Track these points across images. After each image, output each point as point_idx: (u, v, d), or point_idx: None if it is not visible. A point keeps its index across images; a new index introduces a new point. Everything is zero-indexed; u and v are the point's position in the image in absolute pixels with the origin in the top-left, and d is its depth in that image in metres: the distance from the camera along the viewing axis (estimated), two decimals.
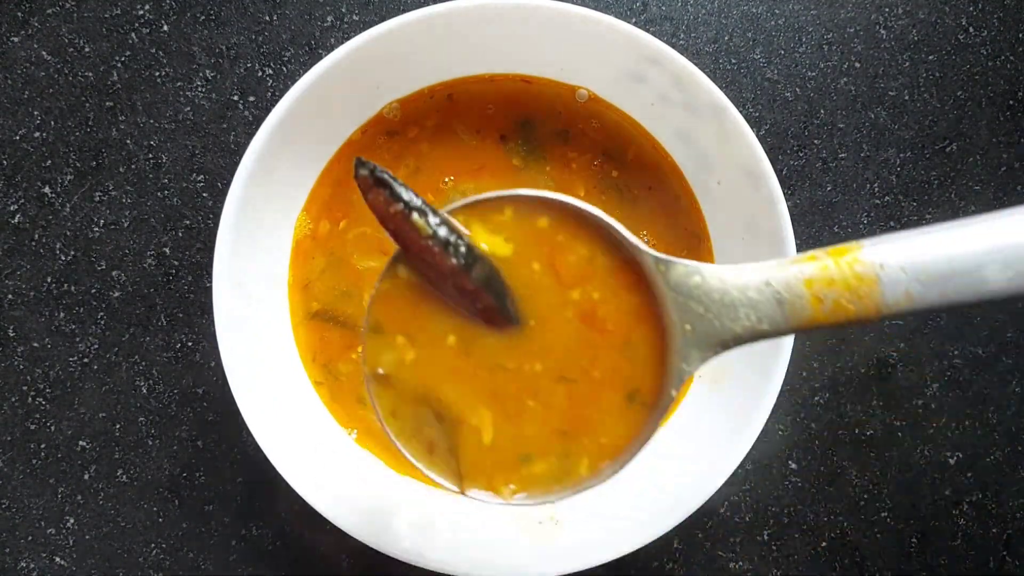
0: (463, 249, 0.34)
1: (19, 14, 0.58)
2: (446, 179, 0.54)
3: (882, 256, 0.32)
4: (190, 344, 0.58)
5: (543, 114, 0.54)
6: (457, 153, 0.54)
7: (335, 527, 0.49)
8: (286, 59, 0.59)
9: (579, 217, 0.36)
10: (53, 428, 0.58)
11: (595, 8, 0.50)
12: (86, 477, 0.58)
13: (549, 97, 0.54)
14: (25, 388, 0.57)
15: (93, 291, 0.58)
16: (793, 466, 0.60)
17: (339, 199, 0.54)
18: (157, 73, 0.58)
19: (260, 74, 0.59)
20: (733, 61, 0.60)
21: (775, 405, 0.49)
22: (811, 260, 0.33)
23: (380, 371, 0.37)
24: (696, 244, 0.54)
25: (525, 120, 0.54)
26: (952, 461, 0.60)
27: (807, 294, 0.33)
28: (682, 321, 0.34)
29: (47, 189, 0.58)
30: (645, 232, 0.54)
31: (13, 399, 0.57)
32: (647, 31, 0.51)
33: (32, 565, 0.57)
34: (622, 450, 0.37)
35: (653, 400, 0.36)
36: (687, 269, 0.34)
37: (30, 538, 0.57)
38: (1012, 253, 0.31)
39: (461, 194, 0.54)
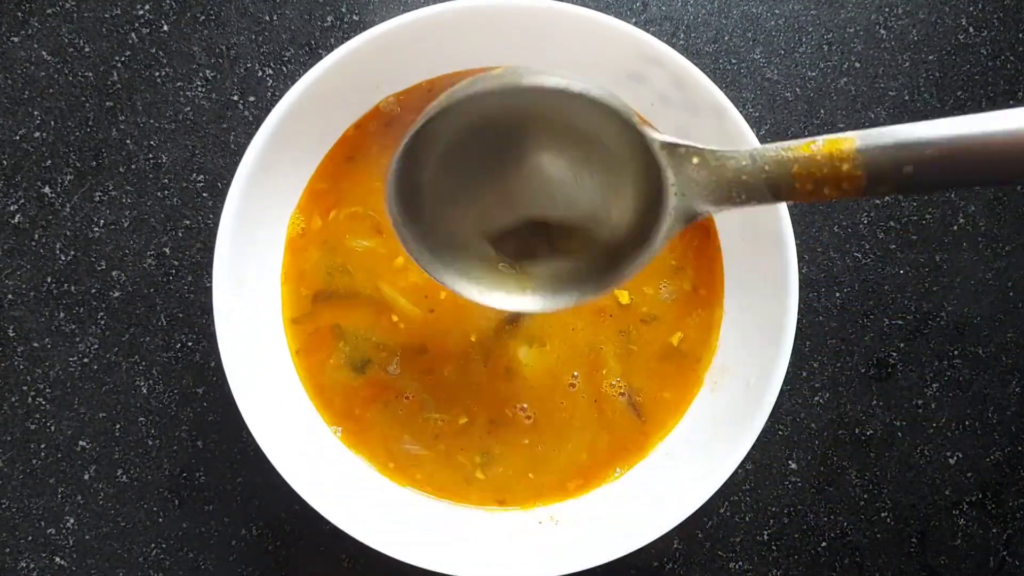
0: None
1: (19, 14, 0.58)
2: None
3: (873, 154, 0.34)
4: (190, 344, 0.58)
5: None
6: None
7: (335, 527, 0.49)
8: (286, 59, 0.59)
9: (590, 106, 0.38)
10: (53, 428, 0.58)
11: (595, 8, 0.50)
12: (86, 477, 0.58)
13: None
14: (25, 388, 0.57)
15: (93, 291, 0.58)
16: (793, 466, 0.60)
17: (332, 191, 0.54)
18: (157, 73, 0.58)
19: (260, 74, 0.59)
20: (733, 61, 0.60)
21: (775, 405, 0.49)
22: (804, 150, 0.35)
23: None
24: (704, 237, 0.54)
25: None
26: (952, 461, 0.60)
27: (795, 182, 0.35)
28: (676, 181, 0.38)
29: (47, 189, 0.58)
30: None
31: (13, 399, 0.57)
32: (647, 31, 0.51)
33: (32, 565, 0.57)
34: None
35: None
36: (688, 149, 0.37)
37: (30, 538, 0.57)
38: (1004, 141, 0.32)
39: None
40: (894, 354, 0.60)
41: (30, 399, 0.58)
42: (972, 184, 0.35)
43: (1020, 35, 0.61)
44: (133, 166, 0.58)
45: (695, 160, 0.37)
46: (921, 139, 0.33)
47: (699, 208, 0.38)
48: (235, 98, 0.59)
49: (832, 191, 0.35)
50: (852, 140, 0.34)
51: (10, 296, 0.58)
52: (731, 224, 0.53)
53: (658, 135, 0.38)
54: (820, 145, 0.35)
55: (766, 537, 0.60)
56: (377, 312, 0.53)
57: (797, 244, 0.52)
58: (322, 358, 0.53)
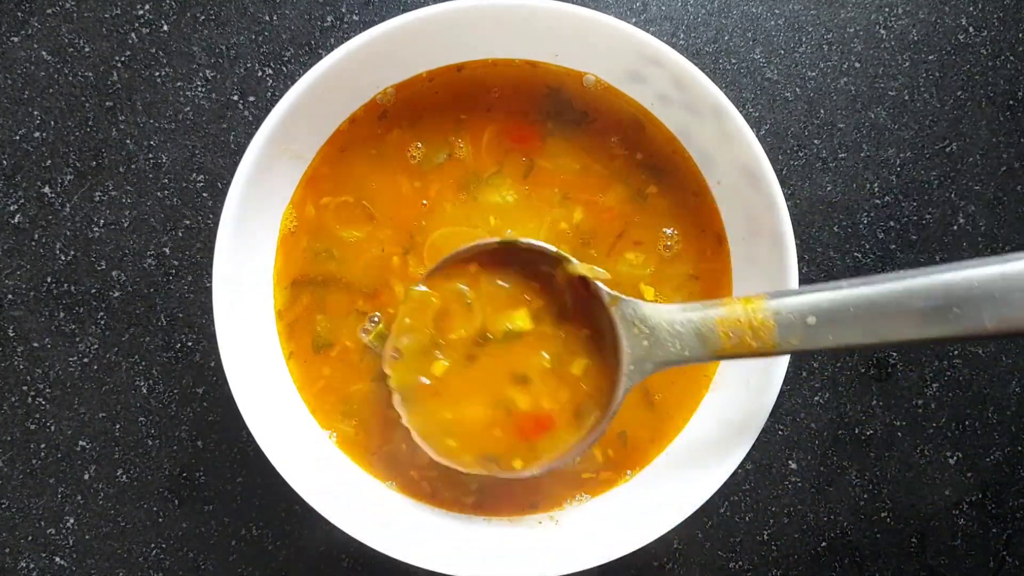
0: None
1: (19, 14, 0.58)
2: (417, 144, 0.53)
3: (780, 305, 0.42)
4: (190, 344, 0.58)
5: (559, 95, 0.54)
6: (456, 114, 0.54)
7: (335, 527, 0.49)
8: (286, 59, 0.59)
9: (539, 259, 0.47)
10: (53, 428, 0.58)
11: (595, 8, 0.50)
12: (86, 477, 0.58)
13: (559, 79, 0.54)
14: (25, 388, 0.58)
15: (93, 291, 0.58)
16: (793, 466, 0.60)
17: (326, 181, 0.53)
18: (157, 73, 0.58)
19: (260, 74, 0.59)
20: (733, 61, 0.60)
21: (775, 405, 0.49)
22: (725, 305, 0.44)
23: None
24: (716, 245, 0.54)
25: (550, 93, 0.53)
26: (952, 461, 0.60)
27: (719, 331, 0.44)
28: (628, 345, 0.45)
29: (47, 189, 0.58)
30: (673, 228, 0.53)
31: (13, 399, 0.57)
32: (647, 31, 0.51)
33: (32, 565, 0.57)
34: (564, 453, 0.48)
35: (601, 414, 0.47)
36: (632, 305, 0.45)
37: (30, 538, 0.57)
38: (890, 310, 0.40)
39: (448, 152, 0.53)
40: (894, 354, 0.60)
41: (30, 399, 0.58)
42: (870, 347, 0.42)
43: (1020, 35, 0.61)
44: (133, 166, 0.58)
45: (638, 313, 0.45)
46: (821, 295, 0.41)
47: (647, 366, 0.45)
48: (235, 98, 0.59)
49: (750, 339, 0.43)
50: (763, 296, 0.43)
51: (10, 296, 0.58)
52: (732, 226, 0.53)
53: (606, 288, 0.45)
54: (738, 299, 0.43)
55: (766, 537, 0.60)
56: (362, 299, 0.53)
57: (797, 244, 0.52)
58: (306, 347, 0.53)
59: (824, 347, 0.41)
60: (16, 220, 0.58)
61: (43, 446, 0.58)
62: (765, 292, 0.43)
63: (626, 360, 0.45)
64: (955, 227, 0.61)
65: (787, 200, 0.52)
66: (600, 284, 0.46)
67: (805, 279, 0.60)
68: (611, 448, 0.54)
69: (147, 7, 0.59)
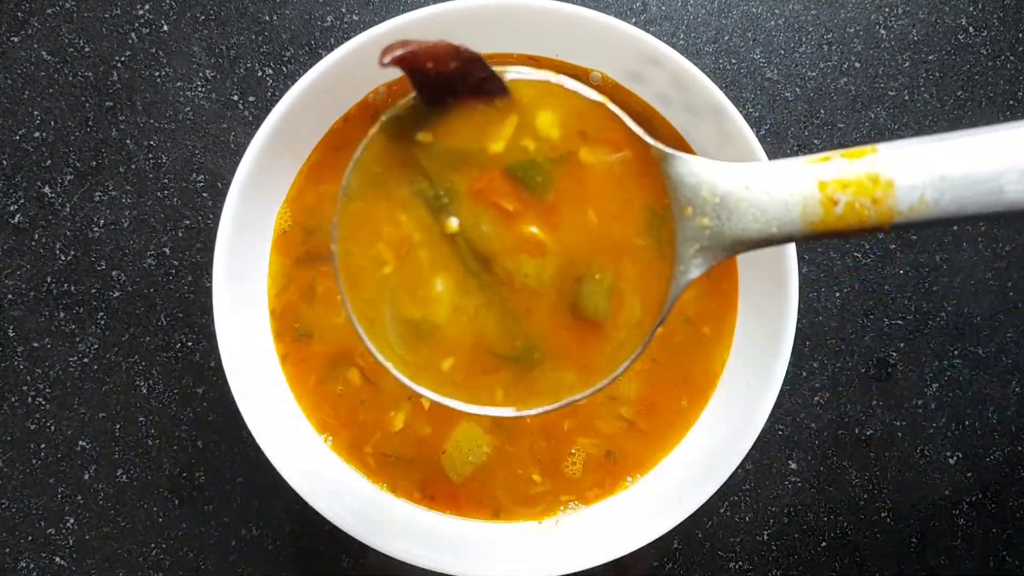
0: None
1: (19, 14, 0.58)
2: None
3: (899, 159, 0.30)
4: (190, 344, 0.58)
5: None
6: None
7: (335, 527, 0.49)
8: (286, 59, 0.59)
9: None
10: (53, 428, 0.58)
11: (595, 8, 0.50)
12: (86, 477, 0.58)
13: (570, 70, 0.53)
14: (25, 388, 0.57)
15: (93, 291, 0.58)
16: (793, 466, 0.60)
17: (320, 176, 0.53)
18: (157, 73, 0.58)
19: (260, 74, 0.59)
20: (733, 61, 0.60)
21: (775, 405, 0.49)
22: (824, 161, 0.31)
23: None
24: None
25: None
26: (952, 461, 0.60)
27: (820, 196, 0.31)
28: (684, 225, 0.32)
29: (47, 189, 0.58)
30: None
31: (13, 399, 0.57)
32: (647, 31, 0.51)
33: (32, 565, 0.57)
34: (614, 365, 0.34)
35: (652, 315, 0.33)
36: (689, 164, 0.32)
37: (30, 538, 0.57)
38: None
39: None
40: (894, 354, 0.60)
41: (30, 399, 0.58)
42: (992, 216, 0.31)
43: (1020, 35, 0.61)
44: (133, 166, 0.58)
45: (696, 177, 0.32)
46: (940, 145, 0.30)
47: (714, 253, 0.33)
48: (235, 98, 0.59)
49: (862, 206, 0.31)
50: (875, 148, 0.31)
51: (10, 296, 0.58)
52: None
53: (656, 143, 0.32)
54: (839, 152, 0.31)
55: (766, 537, 0.60)
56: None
57: (797, 244, 0.52)
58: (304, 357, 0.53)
59: (943, 216, 0.30)
60: (16, 220, 0.58)
61: (43, 446, 0.58)
62: (870, 144, 0.31)
63: (683, 244, 0.32)
64: (955, 227, 0.61)
65: None
66: (643, 134, 0.32)
67: (805, 279, 0.60)
68: (592, 473, 0.54)
69: (147, 7, 0.59)
